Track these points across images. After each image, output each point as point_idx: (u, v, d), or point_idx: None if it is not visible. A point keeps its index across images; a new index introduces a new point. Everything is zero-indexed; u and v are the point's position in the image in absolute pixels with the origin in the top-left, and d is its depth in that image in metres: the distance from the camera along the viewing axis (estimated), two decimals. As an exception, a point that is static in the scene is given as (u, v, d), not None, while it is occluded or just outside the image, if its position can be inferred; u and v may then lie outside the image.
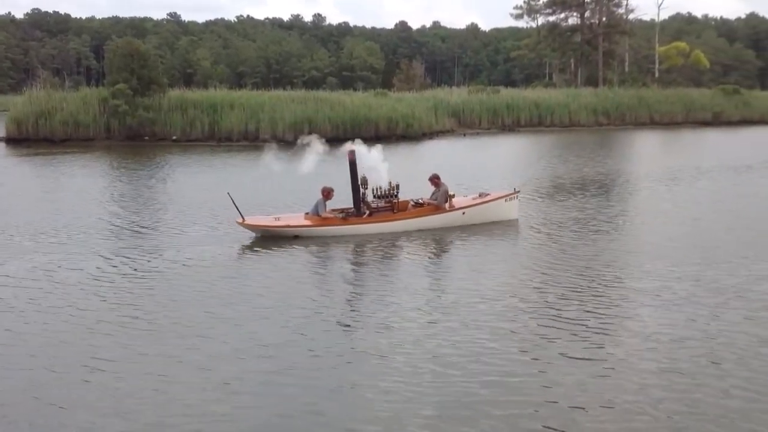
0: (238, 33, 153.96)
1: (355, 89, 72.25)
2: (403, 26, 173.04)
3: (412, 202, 16.55)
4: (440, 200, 16.48)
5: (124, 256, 13.94)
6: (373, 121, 44.11)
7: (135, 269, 13.01)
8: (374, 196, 16.18)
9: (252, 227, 15.67)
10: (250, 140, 41.75)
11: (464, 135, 49.54)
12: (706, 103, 62.27)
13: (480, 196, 17.49)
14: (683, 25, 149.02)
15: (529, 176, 26.11)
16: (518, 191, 17.93)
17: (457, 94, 57.85)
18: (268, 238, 15.39)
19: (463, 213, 16.67)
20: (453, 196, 16.81)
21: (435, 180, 16.89)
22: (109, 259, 13.78)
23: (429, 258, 14.24)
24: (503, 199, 17.23)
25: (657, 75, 79.95)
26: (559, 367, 8.30)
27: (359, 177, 15.78)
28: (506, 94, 59.71)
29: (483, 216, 16.86)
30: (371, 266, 13.59)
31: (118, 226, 17.33)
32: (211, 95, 46.29)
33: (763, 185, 24.15)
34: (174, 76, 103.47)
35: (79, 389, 7.92)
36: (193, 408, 7.41)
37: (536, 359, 8.55)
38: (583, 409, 7.29)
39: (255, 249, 14.74)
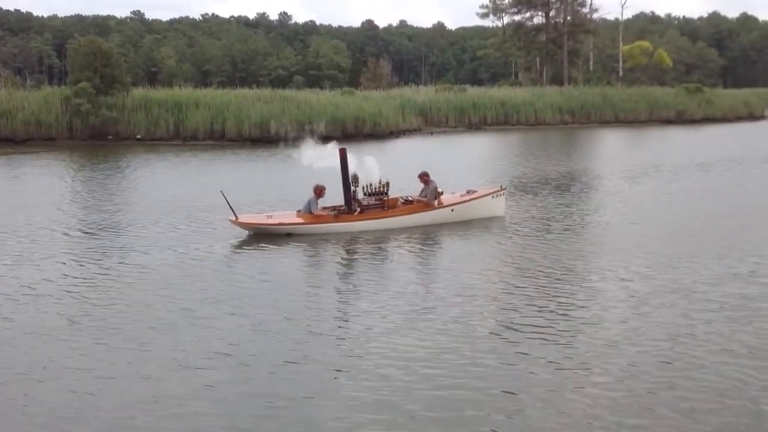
0: (203, 31, 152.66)
1: (321, 88, 72.10)
2: (369, 25, 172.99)
3: (401, 200, 16.75)
4: (430, 197, 16.68)
5: (89, 257, 13.73)
6: (341, 120, 43.97)
7: (105, 270, 12.80)
8: (365, 194, 16.35)
9: (245, 225, 15.73)
10: (215, 139, 41.44)
11: (431, 133, 49.62)
12: (669, 102, 63.04)
13: (467, 193, 17.76)
14: (647, 25, 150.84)
15: (499, 174, 26.18)
16: (504, 188, 18.21)
17: (424, 93, 57.92)
18: (262, 236, 15.45)
19: (452, 210, 16.89)
20: (441, 193, 17.01)
21: (424, 177, 17.05)
22: (76, 260, 13.57)
23: (418, 255, 14.39)
24: (490, 196, 17.48)
25: (621, 74, 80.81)
26: (522, 370, 8.31)
27: (350, 174, 15.90)
28: (473, 92, 59.93)
29: (471, 213, 17.14)
30: (361, 264, 13.63)
31: (85, 226, 17.10)
32: (175, 94, 45.81)
33: (725, 183, 24.43)
34: (138, 74, 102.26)
35: (50, 391, 7.76)
36: (167, 409, 7.31)
37: (502, 359, 8.56)
38: (543, 406, 7.30)
39: (248, 246, 14.81)
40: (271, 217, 16.12)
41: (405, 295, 11.08)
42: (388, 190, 16.49)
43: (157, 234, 16.04)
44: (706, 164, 29.39)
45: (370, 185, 16.39)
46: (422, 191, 16.96)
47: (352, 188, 16.01)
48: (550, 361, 8.39)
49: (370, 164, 16.65)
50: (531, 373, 8.10)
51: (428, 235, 15.73)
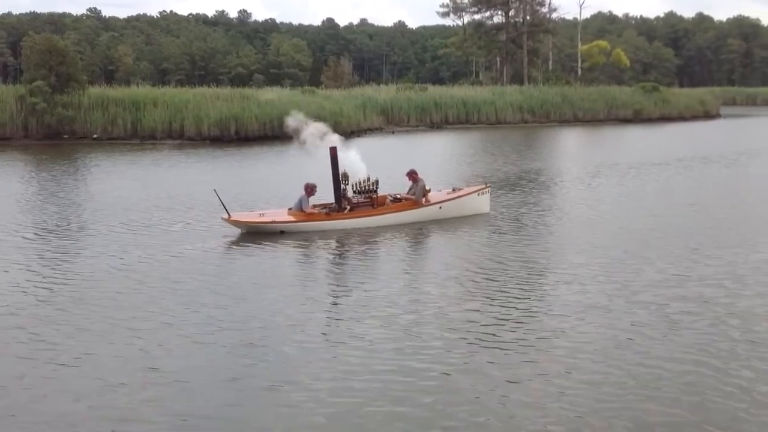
0: (161, 29, 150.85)
1: (282, 86, 71.61)
2: (330, 23, 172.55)
3: (390, 198, 17.02)
4: (418, 195, 16.94)
5: (51, 258, 13.42)
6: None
7: (59, 272, 12.51)
8: (354, 192, 16.49)
9: (238, 223, 15.80)
10: (174, 138, 40.95)
11: (393, 132, 49.59)
12: (626, 101, 63.80)
13: (453, 190, 18.10)
14: (605, 24, 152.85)
15: (463, 174, 26.25)
16: (489, 185, 18.67)
17: (385, 92, 57.86)
18: (254, 234, 15.56)
19: (440, 207, 17.19)
20: (429, 191, 17.30)
21: (413, 175, 17.29)
22: (37, 261, 13.26)
23: (407, 253, 14.69)
24: (476, 194, 17.88)
25: (580, 73, 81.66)
26: (480, 373, 8.28)
27: (340, 173, 16.07)
28: (434, 91, 60.02)
29: (458, 210, 17.42)
30: (352, 261, 13.82)
31: (44, 226, 16.74)
32: (133, 92, 45.15)
33: (680, 182, 24.76)
34: (95, 72, 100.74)
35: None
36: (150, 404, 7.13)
37: (468, 361, 8.53)
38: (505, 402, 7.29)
39: (240, 244, 14.91)
40: (263, 215, 16.24)
41: (392, 294, 11.13)
42: (377, 188, 16.68)
43: (143, 233, 15.88)
44: (664, 163, 29.76)
45: (359, 183, 16.55)
46: (410, 189, 17.24)
47: (342, 186, 16.17)
48: (508, 366, 8.38)
49: (355, 160, 16.83)
50: (487, 377, 8.07)
51: (418, 232, 16.01)
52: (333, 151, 15.98)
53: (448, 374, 8.07)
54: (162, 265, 13.02)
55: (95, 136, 40.72)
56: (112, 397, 7.60)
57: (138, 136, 41.13)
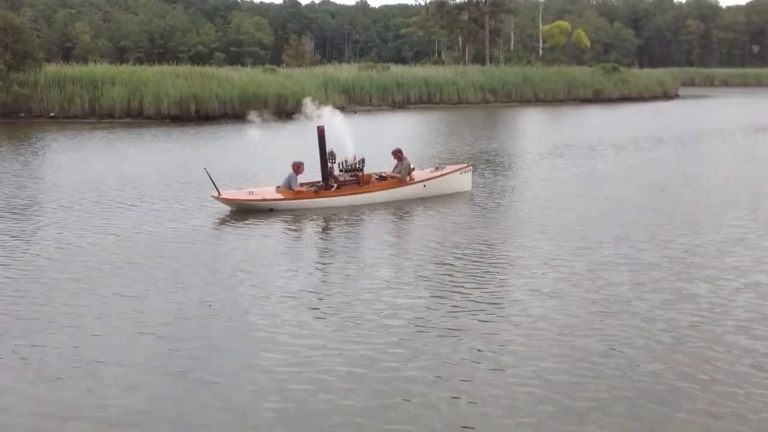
0: (120, 6, 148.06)
1: (243, 65, 70.89)
2: (292, 2, 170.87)
3: (375, 176, 17.30)
4: (404, 173, 17.32)
5: (13, 237, 13.26)
6: (262, 98, 43.42)
7: (26, 250, 12.38)
8: (340, 170, 16.74)
9: (228, 201, 16.05)
10: (133, 117, 40.50)
11: (355, 112, 49.38)
12: (587, 81, 64.34)
13: (436, 169, 18.53)
14: (566, 5, 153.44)
15: (427, 154, 26.32)
16: (471, 164, 19.24)
17: (347, 71, 57.58)
18: (244, 211, 15.80)
19: (424, 186, 17.56)
20: (414, 169, 17.70)
21: (398, 154, 17.66)
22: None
23: (392, 230, 14.98)
24: (458, 172, 18.28)
25: (541, 53, 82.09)
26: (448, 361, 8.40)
27: (327, 151, 16.34)
28: (396, 71, 59.87)
29: (441, 188, 17.78)
30: (340, 238, 14.10)
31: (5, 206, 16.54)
32: (91, 70, 44.44)
33: (640, 161, 25.14)
34: (51, 50, 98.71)
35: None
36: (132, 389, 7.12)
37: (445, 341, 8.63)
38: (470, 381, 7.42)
39: (228, 222, 15.12)
40: (252, 193, 16.41)
41: (376, 272, 11.33)
42: (363, 166, 16.97)
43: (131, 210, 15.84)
44: (621, 143, 30.16)
45: (345, 162, 16.81)
46: (395, 167, 17.59)
47: (329, 164, 16.42)
48: (479, 349, 8.52)
49: (347, 138, 17.13)
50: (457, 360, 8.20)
51: (403, 210, 16.34)
52: (320, 131, 16.26)
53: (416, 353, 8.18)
54: (155, 241, 13.25)
55: (52, 114, 40.12)
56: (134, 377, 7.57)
57: (96, 114, 40.61)
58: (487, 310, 9.47)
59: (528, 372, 7.60)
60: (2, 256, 12.27)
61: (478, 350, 8.18)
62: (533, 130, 39.95)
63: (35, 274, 11.22)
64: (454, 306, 9.66)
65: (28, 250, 12.66)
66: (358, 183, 16.86)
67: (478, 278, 10.91)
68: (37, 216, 15.61)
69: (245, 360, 7.95)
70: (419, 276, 11.06)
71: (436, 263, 11.84)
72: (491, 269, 11.46)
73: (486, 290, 10.34)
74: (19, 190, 18.77)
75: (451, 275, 11.08)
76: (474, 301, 9.86)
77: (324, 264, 12.03)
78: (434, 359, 7.93)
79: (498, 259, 12.13)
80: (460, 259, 11.99)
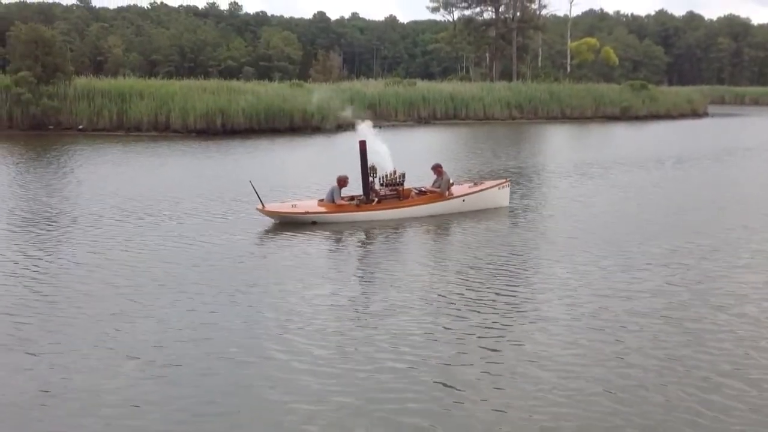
0: (152, 20, 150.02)
1: (271, 79, 71.34)
2: (321, 16, 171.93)
3: (414, 191, 17.58)
4: (443, 188, 17.55)
5: (41, 249, 13.39)
6: (288, 113, 43.62)
7: (54, 261, 12.50)
8: (381, 185, 17.06)
9: (272, 214, 16.36)
10: (159, 130, 40.84)
11: (380, 127, 49.29)
12: (614, 98, 63.88)
13: (475, 184, 18.83)
14: (595, 21, 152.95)
15: (452, 169, 26.23)
16: (509, 180, 19.65)
17: (373, 86, 57.76)
18: (287, 224, 16.12)
19: (463, 200, 17.77)
20: (453, 184, 18.01)
21: (438, 169, 17.93)
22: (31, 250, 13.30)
23: (432, 244, 15.26)
24: (497, 188, 18.53)
25: (569, 70, 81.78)
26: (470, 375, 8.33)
27: (368, 165, 16.59)
28: (422, 86, 59.94)
29: (479, 203, 18.03)
30: (381, 251, 14.38)
31: (31, 217, 16.80)
32: (119, 83, 45.01)
33: (667, 179, 24.86)
34: (83, 63, 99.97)
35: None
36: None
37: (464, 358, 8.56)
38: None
39: (272, 233, 15.54)
40: (295, 206, 16.76)
41: (418, 285, 11.49)
42: (403, 180, 17.26)
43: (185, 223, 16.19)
44: (649, 161, 29.86)
45: (386, 176, 17.11)
46: (435, 182, 17.81)
47: (370, 179, 16.70)
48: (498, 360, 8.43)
49: (383, 153, 17.35)
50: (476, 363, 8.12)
51: (441, 224, 16.57)
52: (362, 145, 16.50)
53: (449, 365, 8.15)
54: (203, 253, 13.51)
55: (80, 127, 40.60)
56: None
57: (123, 127, 41.02)
58: (527, 330, 9.47)
59: (564, 393, 7.55)
60: (37, 268, 12.36)
61: (517, 370, 8.16)
62: (561, 147, 39.68)
63: (86, 285, 11.34)
64: (494, 322, 9.69)
65: (79, 262, 12.76)
66: (399, 197, 17.09)
67: (518, 295, 10.93)
68: (97, 228, 15.76)
69: (289, 365, 8.18)
70: (458, 293, 10.99)
71: (475, 279, 11.83)
72: (530, 286, 11.47)
73: (524, 309, 10.33)
74: (57, 202, 19.05)
75: (491, 290, 11.15)
76: (510, 317, 9.92)
77: (366, 276, 12.24)
78: (473, 373, 8.02)
79: (536, 276, 12.13)
80: (498, 275, 12.03)
